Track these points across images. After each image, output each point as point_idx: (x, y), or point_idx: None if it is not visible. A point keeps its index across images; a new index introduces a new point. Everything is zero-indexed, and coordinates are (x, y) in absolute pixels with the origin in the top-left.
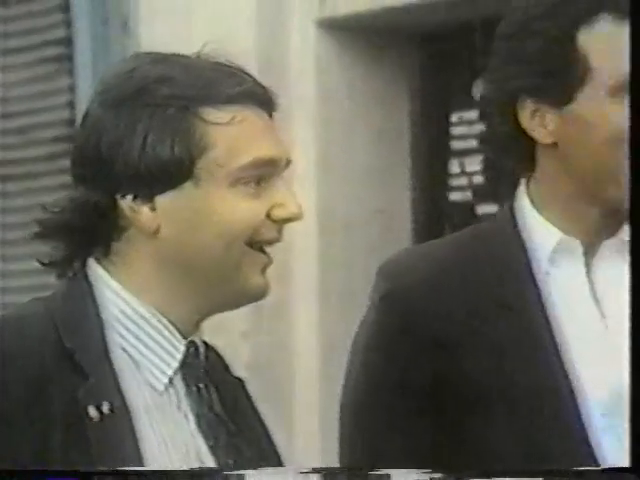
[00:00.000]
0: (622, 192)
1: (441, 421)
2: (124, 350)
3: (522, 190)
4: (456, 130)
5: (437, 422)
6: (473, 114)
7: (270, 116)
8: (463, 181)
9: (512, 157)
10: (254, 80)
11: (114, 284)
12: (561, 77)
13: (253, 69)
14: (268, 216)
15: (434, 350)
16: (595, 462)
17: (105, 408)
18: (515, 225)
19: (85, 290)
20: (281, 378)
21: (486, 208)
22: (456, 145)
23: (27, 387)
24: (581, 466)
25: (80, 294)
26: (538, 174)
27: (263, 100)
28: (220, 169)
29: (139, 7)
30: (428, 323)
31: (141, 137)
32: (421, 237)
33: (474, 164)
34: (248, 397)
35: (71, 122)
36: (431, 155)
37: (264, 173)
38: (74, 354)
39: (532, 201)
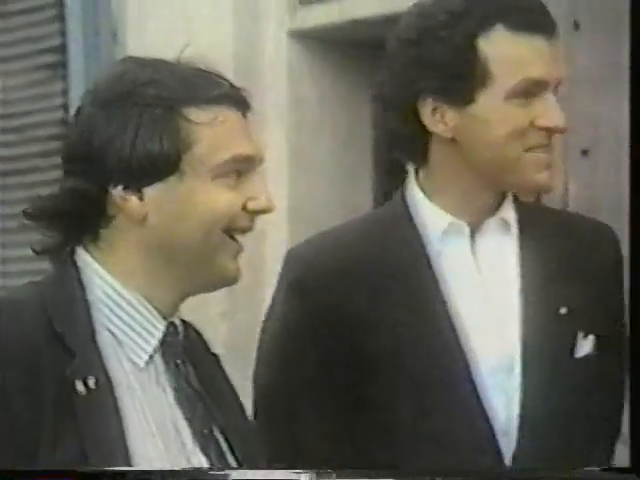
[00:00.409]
0: (517, 178)
1: (347, 394)
2: (108, 330)
3: (412, 180)
4: None
5: (344, 396)
6: None
7: (244, 116)
8: None
9: (407, 150)
10: (230, 84)
11: (100, 270)
12: (463, 80)
13: (231, 75)
14: (243, 207)
15: (340, 329)
16: (486, 417)
17: (91, 383)
18: (408, 211)
19: (73, 275)
20: (253, 351)
21: None
22: None
23: (20, 364)
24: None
25: (68, 279)
26: (432, 165)
27: (239, 102)
28: (203, 164)
29: (127, 19)
30: (334, 304)
31: (132, 134)
32: None
33: None
34: (222, 371)
35: (64, 122)
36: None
37: (241, 169)
38: (62, 334)
39: (423, 190)
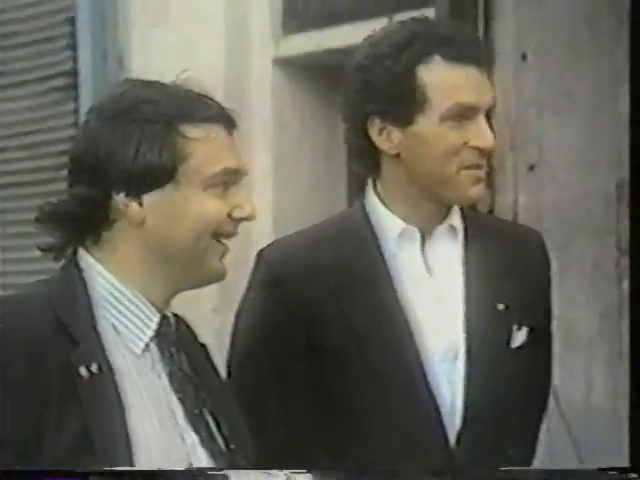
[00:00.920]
0: (453, 192)
1: (312, 380)
2: (109, 322)
3: (370, 189)
4: None
5: (309, 380)
6: None
7: (231, 134)
8: None
9: (362, 164)
10: (220, 105)
11: (101, 269)
12: (403, 103)
13: (222, 97)
14: (229, 215)
15: (305, 322)
16: (430, 395)
17: (94, 368)
18: (367, 217)
19: (76, 274)
20: None
21: None
22: None
23: (30, 352)
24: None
25: (72, 277)
26: (384, 177)
27: (227, 121)
28: (196, 175)
29: (131, 47)
30: (299, 300)
31: (134, 146)
32: None
33: None
34: (210, 359)
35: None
36: None
37: (228, 180)
38: (67, 326)
39: (379, 197)
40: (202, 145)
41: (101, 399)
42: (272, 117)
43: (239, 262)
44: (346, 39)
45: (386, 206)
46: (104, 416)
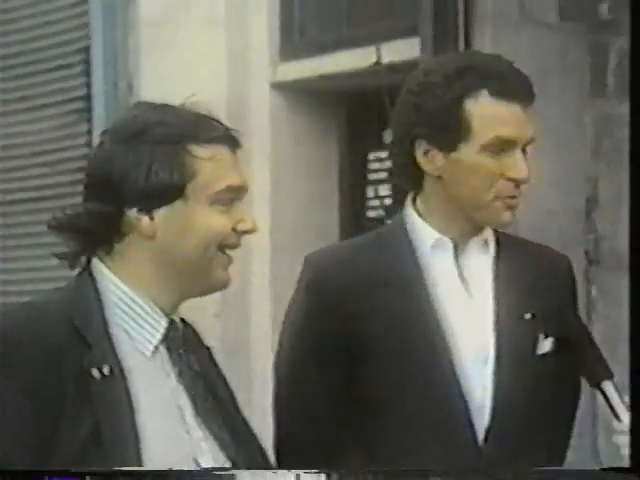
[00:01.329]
0: (484, 217)
1: (350, 370)
2: (120, 326)
3: (409, 203)
4: (372, 165)
5: (347, 369)
6: (384, 154)
7: (235, 153)
8: (377, 202)
9: (405, 180)
10: (225, 126)
11: (113, 277)
12: (449, 131)
13: (224, 118)
14: (233, 228)
15: (345, 319)
16: (461, 394)
17: (105, 370)
18: (405, 228)
19: (90, 282)
20: (242, 345)
21: None
22: (372, 176)
23: (47, 354)
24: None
25: (86, 285)
26: (425, 193)
27: (232, 141)
28: (203, 192)
29: (140, 74)
30: (341, 300)
31: (146, 166)
32: None
33: (385, 190)
34: (214, 361)
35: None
36: (354, 184)
37: (232, 197)
38: (81, 330)
39: (417, 211)
40: (209, 164)
41: (112, 399)
42: (270, 137)
43: (238, 272)
44: (338, 66)
45: (423, 219)
46: (114, 415)
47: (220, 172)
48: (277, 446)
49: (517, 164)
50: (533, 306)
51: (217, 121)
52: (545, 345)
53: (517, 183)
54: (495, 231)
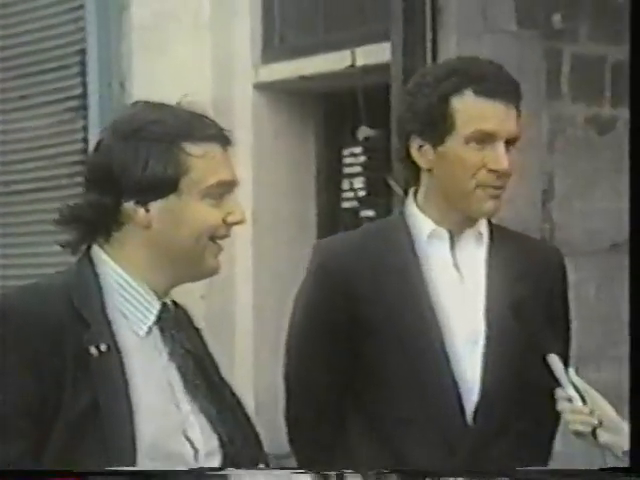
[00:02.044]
0: (468, 206)
1: (352, 347)
2: (117, 308)
3: (410, 197)
4: (346, 160)
5: (349, 347)
6: (357, 149)
7: (226, 150)
8: (351, 194)
9: (405, 175)
10: (217, 124)
11: (111, 262)
12: (437, 126)
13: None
14: (224, 220)
15: (349, 301)
16: (452, 376)
17: (102, 348)
18: (404, 220)
19: (89, 267)
20: (226, 324)
21: (366, 212)
22: (346, 170)
23: (49, 332)
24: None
25: (86, 270)
26: (422, 187)
27: (223, 139)
28: (195, 186)
29: (132, 74)
30: (345, 284)
31: (143, 161)
32: (323, 231)
33: (359, 183)
34: (203, 341)
35: (85, 151)
36: (330, 177)
37: (223, 191)
38: (80, 310)
39: (417, 204)
40: (201, 160)
41: (108, 375)
42: (252, 134)
43: (222, 257)
44: (316, 68)
45: (422, 211)
46: (111, 389)
47: (212, 168)
48: (287, 411)
49: (498, 157)
50: (523, 292)
51: (210, 120)
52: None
53: (498, 174)
54: (489, 224)
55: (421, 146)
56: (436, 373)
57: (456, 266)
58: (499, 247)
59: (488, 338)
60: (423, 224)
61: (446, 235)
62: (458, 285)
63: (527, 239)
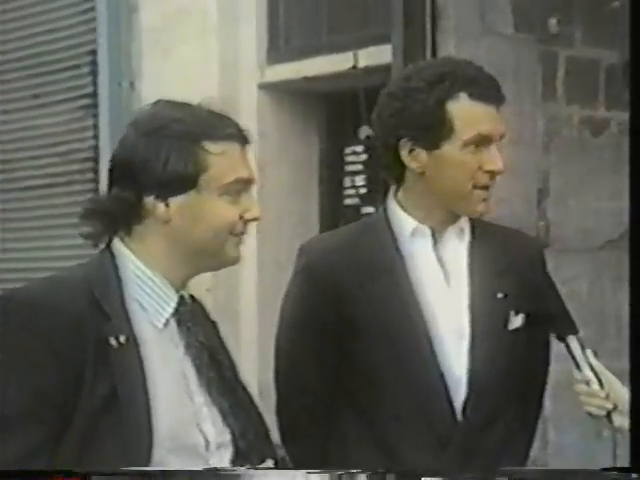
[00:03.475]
0: (463, 207)
1: (340, 345)
2: (136, 300)
3: (391, 195)
4: (348, 158)
5: (338, 346)
6: (359, 148)
7: (244, 149)
8: (353, 192)
9: (389, 174)
10: (236, 124)
11: (131, 256)
12: (433, 131)
13: None
14: (241, 217)
15: (335, 300)
16: (438, 369)
17: (122, 339)
18: (387, 218)
19: (109, 259)
20: (231, 316)
21: (368, 209)
22: (348, 168)
23: (71, 323)
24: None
25: (106, 262)
26: (407, 187)
27: (242, 138)
28: (214, 183)
29: (142, 74)
30: (331, 284)
31: (164, 158)
32: (325, 227)
33: (360, 181)
34: (219, 334)
35: (95, 148)
36: (332, 175)
37: (240, 188)
38: (100, 302)
39: (398, 202)
40: (220, 158)
41: (127, 365)
42: (257, 133)
43: None
44: (319, 69)
45: (404, 210)
46: (129, 380)
47: (230, 166)
48: (278, 411)
49: (493, 158)
50: (505, 286)
51: (230, 119)
52: (516, 321)
53: (493, 174)
54: (470, 219)
55: (412, 150)
56: (424, 369)
57: (440, 262)
58: (480, 242)
59: (473, 333)
60: (405, 222)
61: (428, 232)
62: (442, 281)
63: (507, 231)
